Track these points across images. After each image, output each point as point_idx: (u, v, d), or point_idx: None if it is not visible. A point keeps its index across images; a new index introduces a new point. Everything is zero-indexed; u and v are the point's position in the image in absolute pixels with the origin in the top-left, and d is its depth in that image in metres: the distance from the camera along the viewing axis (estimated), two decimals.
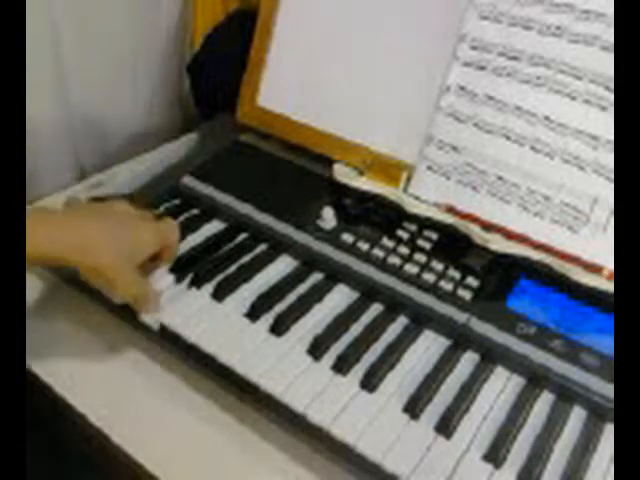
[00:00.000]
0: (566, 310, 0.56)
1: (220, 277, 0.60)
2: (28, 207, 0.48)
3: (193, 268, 0.60)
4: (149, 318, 0.55)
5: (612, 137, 0.57)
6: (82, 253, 0.50)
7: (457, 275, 0.59)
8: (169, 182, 0.71)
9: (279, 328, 0.56)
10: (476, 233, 0.62)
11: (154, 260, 0.58)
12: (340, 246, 0.62)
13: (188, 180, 0.71)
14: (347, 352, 0.54)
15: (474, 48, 0.63)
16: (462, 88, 0.64)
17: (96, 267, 0.51)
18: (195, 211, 0.69)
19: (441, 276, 0.59)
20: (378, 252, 0.61)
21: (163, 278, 0.59)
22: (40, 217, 0.50)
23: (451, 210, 0.64)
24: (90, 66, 0.80)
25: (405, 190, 0.67)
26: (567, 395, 0.52)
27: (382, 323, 0.57)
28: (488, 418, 0.51)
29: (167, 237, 0.58)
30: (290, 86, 0.74)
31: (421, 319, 0.58)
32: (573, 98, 0.59)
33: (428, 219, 0.64)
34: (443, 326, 0.57)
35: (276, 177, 0.72)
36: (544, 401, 0.52)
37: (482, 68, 0.63)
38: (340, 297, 0.60)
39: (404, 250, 0.62)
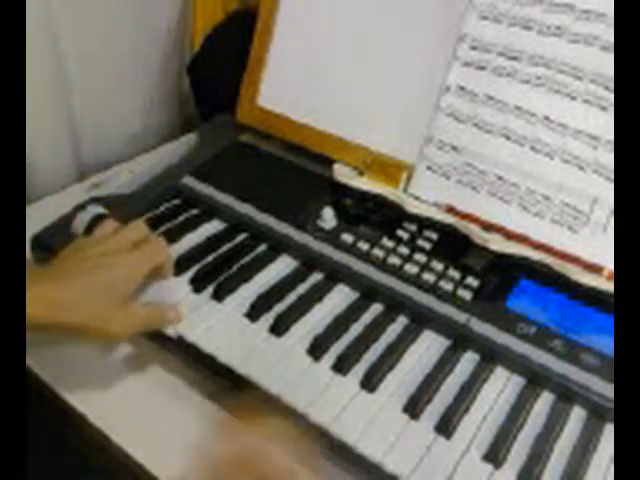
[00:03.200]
0: (566, 310, 0.56)
1: (220, 277, 0.60)
2: None
3: (193, 268, 0.60)
4: (169, 329, 0.55)
5: (612, 137, 0.57)
6: (56, 313, 0.49)
7: (457, 275, 0.59)
8: (169, 182, 0.71)
9: (279, 328, 0.56)
10: (476, 233, 0.62)
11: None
12: (340, 246, 0.62)
13: (188, 180, 0.71)
14: (347, 352, 0.54)
15: (474, 48, 0.63)
16: (462, 88, 0.64)
17: (81, 325, 0.50)
18: (195, 211, 0.69)
19: (441, 276, 0.59)
20: (378, 252, 0.61)
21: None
22: None
23: (451, 210, 0.64)
24: (90, 66, 0.80)
25: (405, 190, 0.67)
26: (567, 395, 0.52)
27: (382, 323, 0.57)
28: (488, 418, 0.51)
29: (153, 259, 0.55)
30: (290, 86, 0.74)
31: (421, 319, 0.57)
32: (573, 98, 0.59)
33: (428, 219, 0.64)
34: (443, 326, 0.57)
35: (276, 177, 0.72)
36: (544, 401, 0.53)
37: (482, 68, 0.63)
38: (340, 297, 0.60)
39: (404, 250, 0.62)
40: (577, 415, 0.51)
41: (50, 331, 0.53)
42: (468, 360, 0.55)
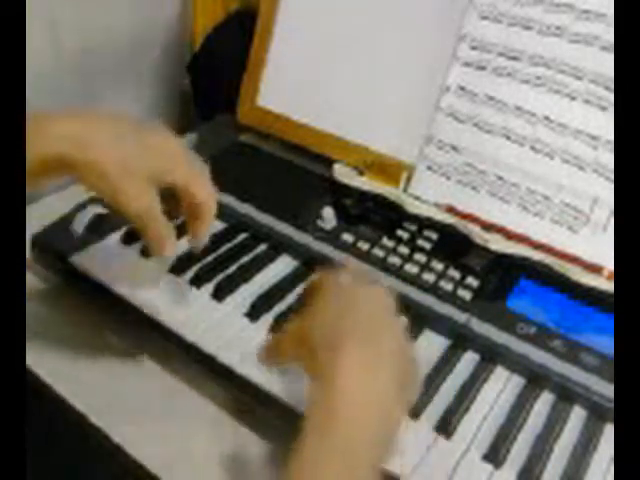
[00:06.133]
0: (566, 310, 0.56)
1: (220, 277, 0.60)
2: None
3: (193, 268, 0.60)
4: (157, 260, 0.51)
5: (612, 137, 0.57)
6: (81, 147, 0.45)
7: (457, 275, 0.59)
8: None
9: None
10: (476, 233, 0.62)
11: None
12: (340, 246, 0.62)
13: None
14: None
15: (474, 48, 0.63)
16: (462, 88, 0.64)
17: (98, 161, 0.45)
18: None
19: (441, 276, 0.59)
20: (378, 252, 0.61)
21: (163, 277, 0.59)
22: (36, 120, 0.45)
23: (451, 210, 0.64)
24: (90, 66, 0.80)
25: (405, 190, 0.67)
26: (567, 395, 0.52)
27: None
28: (488, 418, 0.51)
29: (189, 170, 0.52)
30: (290, 86, 0.74)
31: (421, 319, 0.57)
32: (573, 98, 0.59)
33: (428, 219, 0.64)
34: (443, 326, 0.57)
35: (276, 177, 0.72)
36: (544, 401, 0.52)
37: (482, 68, 0.63)
38: None
39: (404, 250, 0.62)
40: (577, 415, 0.51)
41: (70, 173, 0.48)
42: (468, 360, 0.55)
